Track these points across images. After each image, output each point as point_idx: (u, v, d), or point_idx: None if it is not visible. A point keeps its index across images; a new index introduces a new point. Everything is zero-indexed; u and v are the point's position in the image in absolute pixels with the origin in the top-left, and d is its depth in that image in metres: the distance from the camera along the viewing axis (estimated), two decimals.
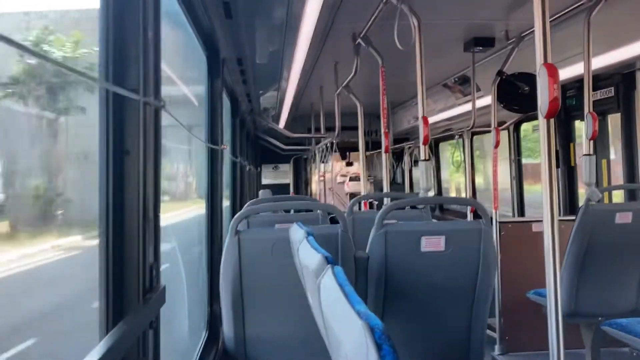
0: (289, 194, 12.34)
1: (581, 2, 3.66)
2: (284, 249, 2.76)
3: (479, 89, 5.59)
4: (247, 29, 4.22)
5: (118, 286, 1.49)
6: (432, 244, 2.89)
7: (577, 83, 4.81)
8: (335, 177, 13.89)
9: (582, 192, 5.34)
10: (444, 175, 10.06)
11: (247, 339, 2.91)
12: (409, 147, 9.91)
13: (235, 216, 2.97)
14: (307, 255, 1.40)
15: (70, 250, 2.90)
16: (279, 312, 2.88)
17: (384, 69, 4.31)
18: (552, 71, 2.17)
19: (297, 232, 1.71)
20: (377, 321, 0.82)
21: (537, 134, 6.58)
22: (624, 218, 3.46)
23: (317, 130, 8.41)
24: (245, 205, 3.99)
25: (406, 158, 10.06)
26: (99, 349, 1.21)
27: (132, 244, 1.53)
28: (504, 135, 6.47)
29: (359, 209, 5.58)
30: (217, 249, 3.73)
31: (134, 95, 1.50)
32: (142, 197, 1.55)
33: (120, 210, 1.53)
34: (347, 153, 12.63)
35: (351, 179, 23.29)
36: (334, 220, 3.27)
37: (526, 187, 7.29)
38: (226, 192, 5.75)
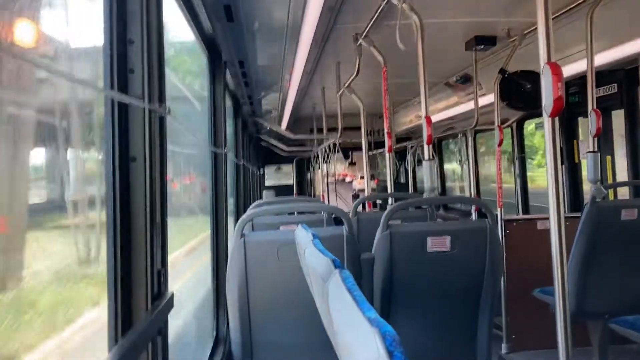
0: (292, 194, 12.33)
1: None
2: (289, 251, 2.75)
3: (481, 88, 5.58)
4: (249, 31, 4.22)
5: (126, 293, 1.49)
6: (437, 244, 2.88)
7: (580, 80, 4.79)
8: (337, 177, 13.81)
9: (586, 188, 5.33)
10: (448, 173, 10.05)
11: (254, 343, 2.90)
12: (412, 147, 9.88)
13: (240, 219, 2.96)
14: (314, 259, 1.39)
15: None
16: (286, 316, 2.87)
17: (385, 69, 4.30)
18: (556, 70, 2.16)
19: (302, 235, 1.70)
20: (388, 328, 0.81)
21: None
22: (629, 214, 3.45)
23: (320, 131, 8.40)
24: (250, 208, 3.98)
25: (409, 157, 10.03)
26: (110, 358, 1.20)
27: (139, 250, 1.53)
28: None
29: (363, 209, 5.58)
30: (222, 252, 3.73)
31: (139, 102, 1.50)
32: (148, 203, 1.55)
33: (127, 216, 1.53)
34: (350, 153, 12.62)
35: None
36: (338, 220, 3.26)
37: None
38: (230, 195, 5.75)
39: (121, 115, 1.50)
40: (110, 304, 1.46)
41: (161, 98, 1.62)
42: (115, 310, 1.46)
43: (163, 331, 1.60)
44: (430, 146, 3.40)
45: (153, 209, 1.56)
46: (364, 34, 4.22)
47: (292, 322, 2.88)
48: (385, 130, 4.56)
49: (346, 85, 5.23)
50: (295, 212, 4.68)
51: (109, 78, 1.48)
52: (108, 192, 1.49)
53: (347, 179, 14.18)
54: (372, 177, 13.46)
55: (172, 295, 1.68)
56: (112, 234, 1.48)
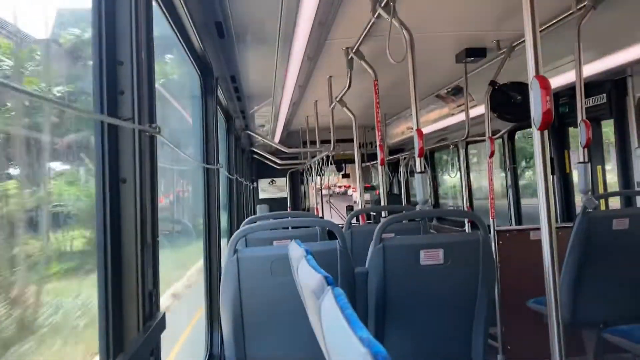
0: (286, 208, 12.30)
1: (571, 11, 3.69)
2: (283, 267, 2.75)
3: (472, 99, 5.61)
4: (240, 47, 4.24)
5: (117, 315, 1.48)
6: (431, 257, 2.89)
7: (569, 90, 4.83)
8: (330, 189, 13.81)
9: (579, 198, 5.36)
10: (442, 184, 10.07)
11: (249, 359, 2.89)
12: (404, 158, 9.90)
13: (233, 236, 2.96)
14: (307, 276, 1.39)
15: None
16: (281, 331, 2.86)
17: (377, 83, 4.33)
18: (544, 83, 2.18)
19: (295, 251, 1.70)
20: (379, 349, 0.81)
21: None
22: (621, 224, 3.46)
23: (313, 143, 8.42)
24: (243, 223, 3.97)
25: (402, 169, 10.05)
26: None
27: (130, 271, 1.52)
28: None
29: (357, 222, 5.58)
30: (215, 268, 3.72)
31: (129, 124, 1.50)
32: (139, 224, 1.55)
33: (117, 237, 1.52)
34: (344, 165, 12.62)
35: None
36: (332, 233, 3.26)
37: None
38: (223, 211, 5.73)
39: (111, 137, 1.50)
40: (101, 325, 1.45)
41: (151, 118, 1.62)
42: (106, 331, 1.45)
43: (156, 352, 1.59)
44: (423, 158, 3.41)
45: (144, 230, 1.56)
46: (355, 48, 4.25)
47: (286, 337, 2.87)
48: (377, 143, 4.58)
49: (338, 98, 5.25)
50: (289, 227, 4.67)
51: (99, 100, 1.48)
52: (98, 214, 1.49)
53: (350, 191, 14.18)
54: (373, 187, 13.49)
55: (164, 315, 1.67)
56: (102, 255, 1.47)
